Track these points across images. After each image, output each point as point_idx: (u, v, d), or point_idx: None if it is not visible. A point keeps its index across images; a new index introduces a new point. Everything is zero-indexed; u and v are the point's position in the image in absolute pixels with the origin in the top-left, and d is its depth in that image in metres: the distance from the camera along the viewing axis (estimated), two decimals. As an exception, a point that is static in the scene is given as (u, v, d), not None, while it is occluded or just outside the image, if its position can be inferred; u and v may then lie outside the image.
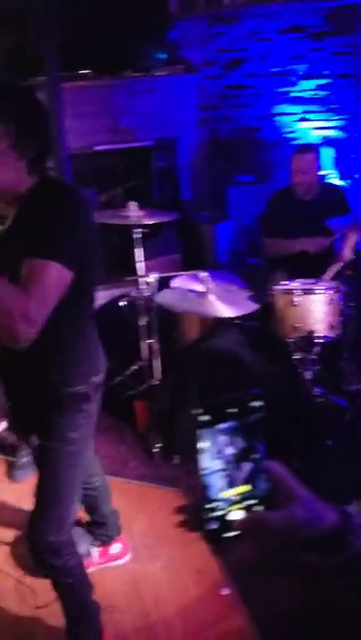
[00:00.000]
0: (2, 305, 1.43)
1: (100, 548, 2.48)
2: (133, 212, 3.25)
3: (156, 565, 2.51)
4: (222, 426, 0.69)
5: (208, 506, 0.70)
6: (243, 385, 2.91)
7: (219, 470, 0.69)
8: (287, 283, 3.13)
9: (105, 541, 2.48)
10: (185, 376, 3.15)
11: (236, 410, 0.70)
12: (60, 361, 1.74)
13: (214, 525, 0.71)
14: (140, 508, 2.84)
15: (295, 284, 3.08)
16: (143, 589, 2.40)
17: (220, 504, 0.70)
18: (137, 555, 2.56)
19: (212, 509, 0.70)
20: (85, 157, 4.45)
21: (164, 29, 4.65)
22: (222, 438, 0.69)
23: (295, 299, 2.96)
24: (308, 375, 3.05)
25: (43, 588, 2.36)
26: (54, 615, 2.22)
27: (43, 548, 1.85)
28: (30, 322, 1.45)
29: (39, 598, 2.32)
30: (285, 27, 4.76)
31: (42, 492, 1.86)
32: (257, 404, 0.71)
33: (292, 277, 3.22)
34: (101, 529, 2.45)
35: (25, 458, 3.14)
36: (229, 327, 3.21)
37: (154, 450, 3.17)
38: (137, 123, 4.71)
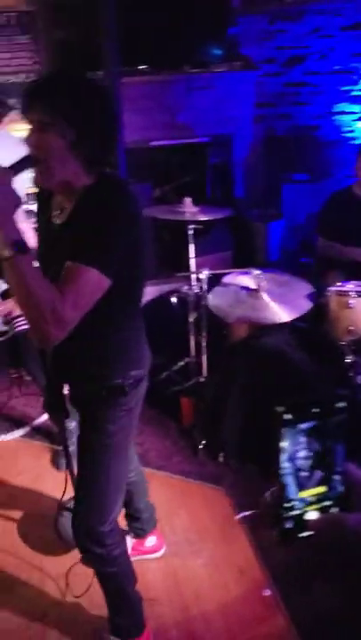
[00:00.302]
0: (36, 303, 1.43)
1: (135, 540, 2.50)
2: (188, 208, 3.25)
3: (197, 561, 2.51)
4: (304, 425, 0.68)
5: (285, 505, 0.69)
6: (290, 387, 2.89)
7: (297, 470, 0.68)
8: (342, 284, 3.07)
9: (139, 534, 2.49)
10: (232, 374, 3.13)
11: (319, 410, 0.68)
12: (97, 354, 1.75)
13: (290, 525, 0.70)
14: (182, 503, 2.85)
15: (350, 286, 3.02)
16: (184, 584, 2.40)
17: (297, 504, 0.69)
18: (178, 549, 2.57)
19: (289, 509, 0.69)
20: (141, 152, 4.48)
21: (224, 25, 4.63)
22: (302, 439, 0.68)
23: (350, 301, 2.91)
24: (359, 380, 2.99)
25: (86, 581, 2.41)
26: (97, 605, 2.25)
27: (87, 536, 1.86)
28: (61, 324, 1.45)
29: (80, 587, 2.35)
30: (348, 23, 4.68)
31: (83, 481, 1.88)
32: (341, 405, 0.69)
33: (346, 279, 3.16)
34: (135, 522, 2.46)
35: (71, 447, 3.18)
36: (279, 327, 3.18)
37: (199, 446, 3.16)
38: (193, 119, 4.71)
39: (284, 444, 0.67)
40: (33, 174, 1.59)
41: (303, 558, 2.42)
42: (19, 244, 1.42)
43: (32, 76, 4.67)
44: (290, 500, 0.68)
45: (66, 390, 1.95)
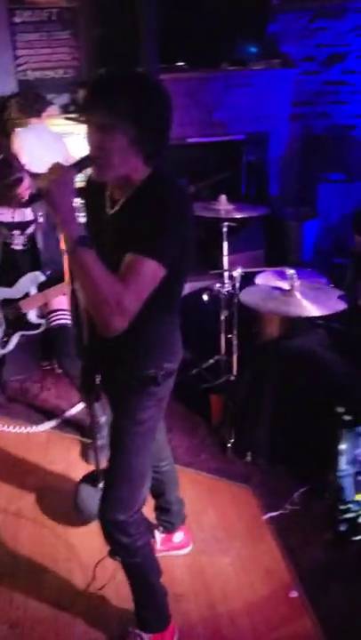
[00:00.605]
0: (102, 294, 1.50)
1: (163, 535, 2.51)
2: (223, 205, 3.24)
3: (225, 560, 2.51)
4: None
5: (341, 507, 0.68)
6: (322, 387, 2.87)
7: (354, 473, 0.68)
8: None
9: (168, 528, 2.50)
10: (263, 373, 3.12)
11: None
12: (136, 345, 1.79)
13: (344, 527, 0.69)
14: (209, 501, 2.85)
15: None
16: (210, 582, 2.40)
17: (353, 506, 0.69)
18: (205, 547, 2.58)
19: (345, 511, 0.69)
20: (177, 149, 4.47)
21: (264, 23, 4.60)
22: None
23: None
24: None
25: (112, 570, 2.43)
26: (124, 598, 2.27)
27: (112, 525, 1.89)
28: (124, 313, 1.52)
29: (112, 583, 2.37)
30: (391, 22, 4.62)
31: (111, 470, 1.93)
32: None
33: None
34: (165, 515, 2.48)
35: (101, 440, 3.21)
36: (312, 327, 3.16)
37: (227, 445, 3.16)
38: (230, 116, 4.70)
39: (344, 445, 0.67)
40: (91, 170, 1.64)
41: (331, 561, 2.41)
42: (83, 240, 1.51)
43: (71, 71, 4.71)
44: (346, 503, 0.68)
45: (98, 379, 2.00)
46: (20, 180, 3.01)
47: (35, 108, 4.09)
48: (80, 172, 1.59)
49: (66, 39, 4.66)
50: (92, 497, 2.42)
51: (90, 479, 2.55)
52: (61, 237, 1.60)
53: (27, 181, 3.05)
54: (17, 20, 4.51)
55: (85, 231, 1.81)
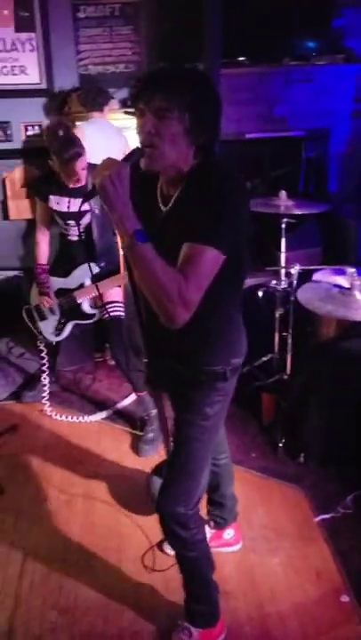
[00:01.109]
0: (163, 287, 1.49)
1: (214, 531, 2.50)
2: (283, 201, 3.20)
3: (274, 560, 2.48)
4: None
5: None
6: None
7: None
8: None
9: (219, 524, 2.49)
10: (317, 374, 3.08)
11: None
12: (201, 340, 1.77)
13: None
14: (260, 500, 2.83)
15: None
16: (259, 581, 2.38)
17: None
18: (255, 546, 2.56)
19: None
20: (235, 144, 4.46)
21: (328, 17, 4.52)
22: None
23: None
24: None
25: (161, 562, 2.45)
26: (173, 591, 2.28)
27: (171, 517, 1.90)
28: (187, 304, 1.51)
29: (160, 574, 2.39)
30: None
31: (173, 463, 1.93)
32: None
33: None
34: (218, 510, 2.47)
35: (152, 433, 3.23)
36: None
37: (279, 444, 3.13)
38: (290, 111, 4.64)
39: None
40: (141, 161, 1.62)
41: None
42: (141, 233, 1.50)
43: (131, 66, 4.74)
44: None
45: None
46: (79, 155, 3.03)
47: (97, 102, 4.12)
48: (132, 164, 1.57)
49: (127, 34, 4.69)
50: None
51: (160, 471, 2.56)
52: (118, 233, 1.58)
53: (84, 160, 3.08)
54: (80, 15, 4.57)
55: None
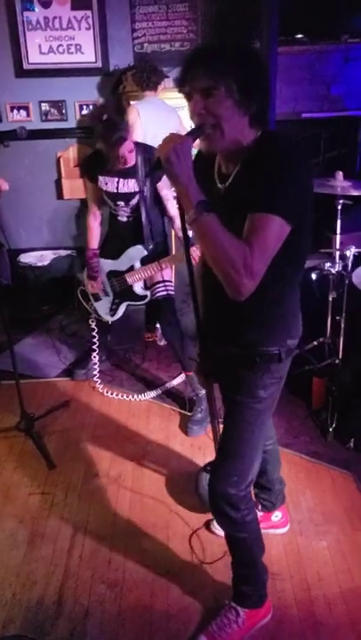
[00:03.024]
0: (229, 257, 1.48)
1: (262, 513, 2.49)
2: (340, 181, 3.13)
3: (322, 543, 2.47)
4: None
5: None
6: None
7: None
8: None
9: (268, 507, 2.49)
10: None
11: None
12: (258, 319, 1.75)
13: None
14: (308, 484, 2.81)
15: None
16: (306, 564, 2.37)
17: None
18: (302, 529, 2.55)
19: None
20: (291, 124, 4.38)
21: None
22: None
23: None
24: None
25: (213, 544, 2.46)
26: (220, 572, 2.30)
27: (222, 498, 1.89)
28: (252, 274, 1.49)
29: (203, 551, 2.40)
30: None
31: (225, 445, 1.91)
32: None
33: None
34: (266, 494, 2.46)
35: (200, 414, 3.24)
36: None
37: (329, 429, 3.09)
38: (348, 91, 4.52)
39: None
40: (201, 142, 1.61)
41: None
42: (204, 204, 1.50)
43: (187, 44, 4.70)
44: None
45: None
46: (123, 140, 3.03)
47: (151, 81, 4.10)
48: (195, 140, 1.57)
49: (183, 12, 4.65)
50: None
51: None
52: (183, 206, 1.57)
53: (129, 144, 3.08)
54: (137, -8, 4.55)
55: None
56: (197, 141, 1.63)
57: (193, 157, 1.82)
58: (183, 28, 4.67)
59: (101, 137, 3.04)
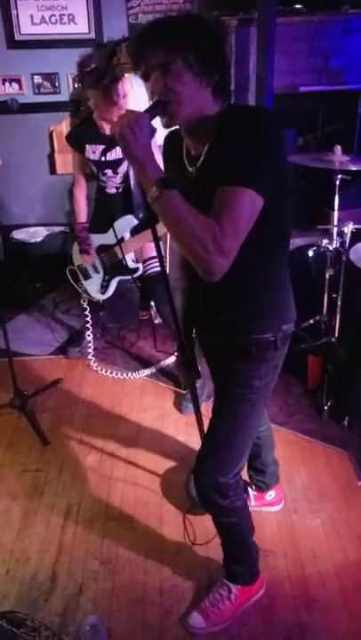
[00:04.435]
0: (196, 236, 1.39)
1: (256, 492, 2.49)
2: (338, 156, 3.07)
3: (316, 521, 2.46)
4: None
5: None
6: None
7: None
8: None
9: (262, 488, 2.48)
10: (366, 337, 2.99)
11: None
12: (250, 306, 1.68)
13: None
14: (303, 462, 2.80)
15: None
16: (300, 541, 2.37)
17: None
18: (297, 506, 2.54)
19: None
20: (287, 98, 4.28)
21: None
22: None
23: None
24: None
25: (206, 523, 2.44)
26: (212, 551, 2.30)
27: (210, 486, 1.85)
28: (223, 252, 1.40)
29: (197, 532, 2.39)
30: None
31: (216, 434, 1.84)
32: None
33: None
34: (260, 476, 2.45)
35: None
36: None
37: (324, 407, 3.08)
38: (348, 64, 4.41)
39: None
40: (162, 119, 1.52)
41: None
42: (165, 180, 1.41)
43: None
44: None
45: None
46: (116, 80, 2.95)
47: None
48: (153, 118, 1.47)
49: (178, -19, 4.52)
50: None
51: None
52: (143, 186, 1.48)
53: (123, 86, 2.99)
54: None
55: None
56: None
57: (161, 143, 1.77)
58: (178, -3, 4.55)
59: (95, 84, 2.93)
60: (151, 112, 1.47)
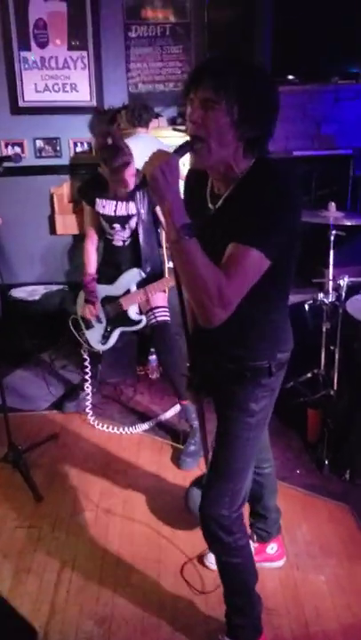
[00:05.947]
0: (204, 284, 1.45)
1: (257, 545, 2.41)
2: (333, 212, 3.15)
3: (319, 577, 2.37)
4: None
5: None
6: None
7: None
8: None
9: (263, 537, 2.41)
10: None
11: None
12: (245, 336, 1.73)
13: None
14: (305, 517, 2.72)
15: None
16: (304, 598, 2.28)
17: None
18: (299, 562, 2.45)
19: None
20: (282, 162, 4.42)
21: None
22: None
23: None
24: None
25: (207, 577, 2.37)
26: (213, 607, 2.21)
27: (214, 520, 1.83)
28: (225, 305, 1.48)
29: (201, 586, 2.30)
30: None
31: (217, 463, 1.86)
32: None
33: None
34: (262, 522, 2.39)
35: (193, 446, 3.17)
36: None
37: (325, 461, 3.02)
38: (338, 130, 4.61)
39: None
40: (190, 156, 1.59)
41: None
42: (188, 228, 1.46)
43: (180, 85, 4.80)
44: None
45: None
46: (127, 164, 3.05)
47: (143, 118, 4.17)
48: (181, 157, 1.52)
49: (177, 53, 4.76)
50: None
51: (200, 482, 2.50)
52: (163, 228, 1.55)
53: (133, 167, 3.10)
54: (132, 34, 4.67)
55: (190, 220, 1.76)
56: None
57: (184, 175, 1.82)
58: (177, 69, 4.78)
59: (106, 161, 3.05)
60: (180, 152, 1.53)
